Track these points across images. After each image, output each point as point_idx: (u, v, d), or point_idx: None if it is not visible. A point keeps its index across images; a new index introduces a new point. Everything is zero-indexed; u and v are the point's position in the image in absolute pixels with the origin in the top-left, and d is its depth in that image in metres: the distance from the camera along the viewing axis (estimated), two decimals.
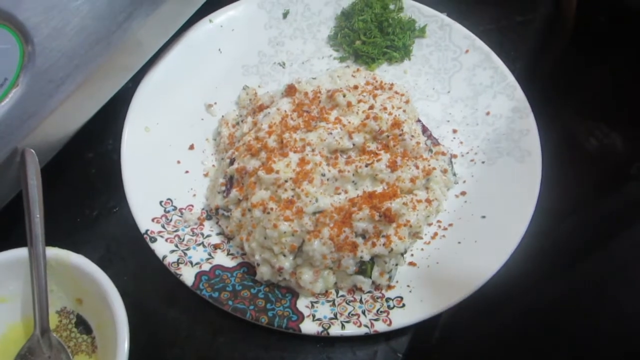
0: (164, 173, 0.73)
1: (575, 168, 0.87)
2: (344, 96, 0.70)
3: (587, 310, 0.71)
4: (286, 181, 0.64)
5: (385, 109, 0.71)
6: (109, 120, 0.76)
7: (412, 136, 0.70)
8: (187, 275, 0.64)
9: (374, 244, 0.63)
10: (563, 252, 0.78)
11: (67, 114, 0.66)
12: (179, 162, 0.75)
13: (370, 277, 0.64)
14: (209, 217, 0.71)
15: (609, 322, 0.69)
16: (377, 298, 0.64)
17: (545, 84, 0.98)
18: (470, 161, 0.78)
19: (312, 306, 0.63)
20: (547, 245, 0.77)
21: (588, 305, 0.71)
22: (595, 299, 0.72)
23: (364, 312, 0.63)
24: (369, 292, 0.65)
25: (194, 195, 0.72)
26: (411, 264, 0.68)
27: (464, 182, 0.76)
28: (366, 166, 0.66)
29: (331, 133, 0.67)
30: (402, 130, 0.69)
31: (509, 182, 0.74)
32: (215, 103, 0.81)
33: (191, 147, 0.77)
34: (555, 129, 0.82)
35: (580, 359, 0.68)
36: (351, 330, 0.61)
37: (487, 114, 0.81)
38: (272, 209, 0.62)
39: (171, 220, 0.69)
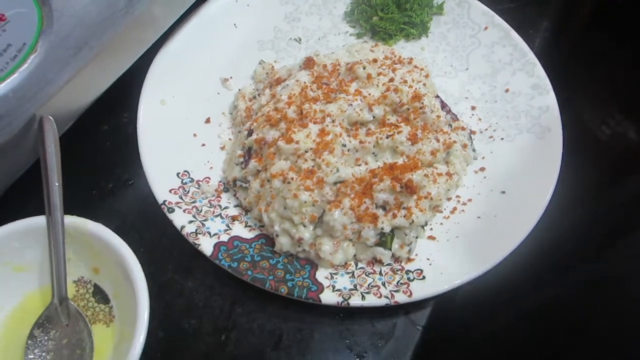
0: (180, 146, 0.72)
1: (587, 155, 0.86)
2: (364, 68, 0.70)
3: (605, 304, 0.70)
4: (306, 151, 0.63)
5: (405, 82, 0.70)
6: (124, 94, 0.76)
7: (432, 110, 0.69)
8: (206, 246, 0.63)
9: (394, 216, 0.63)
10: (578, 243, 0.78)
11: (84, 82, 0.65)
12: (195, 135, 0.74)
13: (390, 249, 0.64)
14: (226, 190, 0.70)
15: (629, 317, 0.68)
16: (397, 270, 0.64)
17: (560, 68, 0.97)
18: (489, 138, 0.77)
19: (332, 277, 0.63)
20: (560, 233, 0.76)
21: (606, 299, 0.71)
22: (611, 293, 0.71)
23: (384, 284, 0.62)
24: (388, 264, 0.64)
25: (211, 167, 0.72)
26: (430, 237, 0.67)
27: (483, 158, 0.75)
28: (387, 138, 0.65)
29: (351, 105, 0.66)
30: (423, 103, 0.68)
31: (529, 158, 0.73)
32: (231, 77, 0.81)
33: (207, 121, 0.76)
34: (568, 116, 0.81)
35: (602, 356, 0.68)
36: (371, 301, 0.60)
37: (506, 91, 0.81)
38: (292, 178, 0.62)
39: (188, 191, 0.68)
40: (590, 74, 0.99)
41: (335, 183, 0.62)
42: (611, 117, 0.99)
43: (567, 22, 1.02)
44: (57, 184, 0.60)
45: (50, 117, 0.62)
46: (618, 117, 0.99)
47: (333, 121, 0.65)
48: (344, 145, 0.64)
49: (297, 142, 0.63)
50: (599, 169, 0.91)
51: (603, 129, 0.98)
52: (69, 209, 0.61)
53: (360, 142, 0.65)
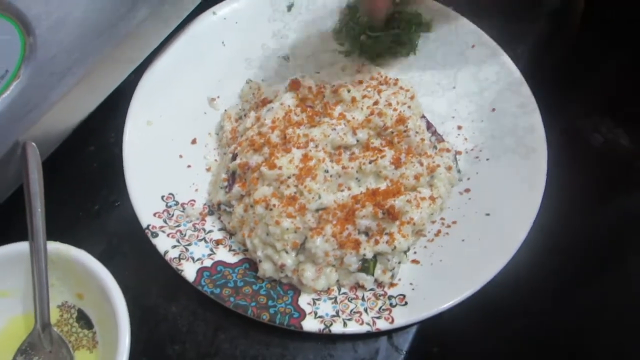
0: (165, 167, 0.72)
1: (580, 164, 0.86)
2: (349, 91, 0.70)
3: (600, 331, 0.69)
4: (289, 177, 0.63)
5: (390, 104, 0.70)
6: (111, 114, 0.76)
7: (417, 132, 0.69)
8: (189, 271, 0.63)
9: (377, 242, 0.63)
10: (571, 257, 0.77)
11: (69, 106, 0.65)
12: (181, 156, 0.74)
13: (373, 275, 0.64)
14: (211, 213, 0.70)
15: (627, 345, 0.67)
16: (380, 296, 0.64)
17: (551, 80, 0.97)
18: (474, 158, 0.77)
19: (314, 303, 0.63)
20: (553, 246, 0.76)
21: (601, 325, 0.70)
22: (608, 318, 0.70)
23: (366, 310, 0.62)
24: (371, 289, 0.65)
25: (196, 190, 0.72)
26: (414, 261, 0.67)
27: (468, 179, 0.75)
28: (370, 163, 0.65)
29: (335, 129, 0.67)
30: (407, 126, 0.68)
31: (514, 180, 0.73)
32: (218, 97, 0.81)
33: (193, 142, 0.76)
34: (560, 124, 0.81)
35: None
36: (353, 328, 0.61)
37: (493, 110, 0.81)
38: (274, 205, 0.62)
39: (173, 215, 0.68)
40: (578, 85, 0.99)
41: (317, 210, 0.62)
42: (604, 126, 0.99)
43: (555, 37, 1.02)
44: (39, 210, 0.60)
45: (33, 143, 0.62)
46: (610, 125, 0.99)
47: (316, 146, 0.65)
48: (327, 171, 0.64)
49: (280, 168, 0.63)
50: (592, 176, 0.90)
51: (596, 136, 0.98)
52: (54, 231, 0.61)
53: (343, 167, 0.65)
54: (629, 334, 0.68)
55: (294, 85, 0.73)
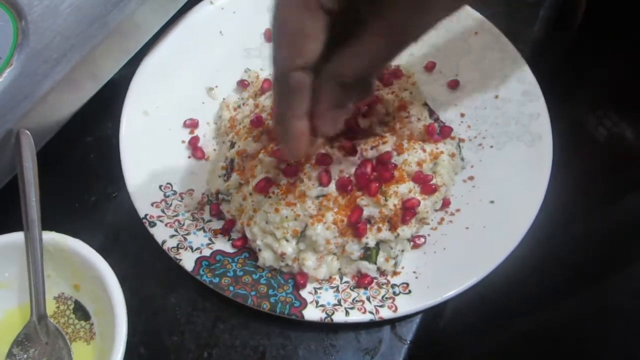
0: (163, 157, 0.71)
1: (583, 158, 0.85)
2: None
3: (607, 330, 0.67)
4: (289, 164, 0.62)
5: (392, 91, 0.69)
6: (108, 104, 0.75)
7: (419, 119, 0.68)
8: (187, 261, 0.62)
9: (379, 229, 0.61)
10: (575, 254, 0.75)
11: (63, 95, 0.64)
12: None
13: (375, 263, 0.62)
14: (209, 202, 0.69)
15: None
16: (382, 284, 0.62)
17: (555, 70, 0.95)
18: (478, 145, 0.76)
19: (316, 292, 0.61)
20: (557, 242, 0.74)
21: (607, 324, 0.68)
22: (613, 318, 0.68)
23: (368, 299, 0.61)
24: (373, 278, 0.63)
25: (195, 180, 0.71)
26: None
27: (472, 166, 0.74)
28: (371, 149, 0.64)
29: None
30: (409, 112, 0.67)
31: (519, 167, 0.71)
32: (217, 86, 0.79)
33: (191, 132, 0.75)
34: (564, 117, 0.79)
35: None
36: (355, 317, 0.59)
37: (496, 97, 0.79)
38: (273, 192, 0.61)
39: (171, 204, 0.67)
40: (582, 77, 0.97)
41: (317, 197, 0.61)
42: (607, 118, 0.97)
43: (559, 25, 1.01)
44: (34, 199, 0.59)
45: (27, 132, 0.61)
46: (614, 118, 0.97)
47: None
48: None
49: None
50: (597, 176, 0.89)
51: (600, 130, 0.97)
52: (51, 222, 0.60)
53: (344, 154, 0.63)
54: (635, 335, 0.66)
55: None
